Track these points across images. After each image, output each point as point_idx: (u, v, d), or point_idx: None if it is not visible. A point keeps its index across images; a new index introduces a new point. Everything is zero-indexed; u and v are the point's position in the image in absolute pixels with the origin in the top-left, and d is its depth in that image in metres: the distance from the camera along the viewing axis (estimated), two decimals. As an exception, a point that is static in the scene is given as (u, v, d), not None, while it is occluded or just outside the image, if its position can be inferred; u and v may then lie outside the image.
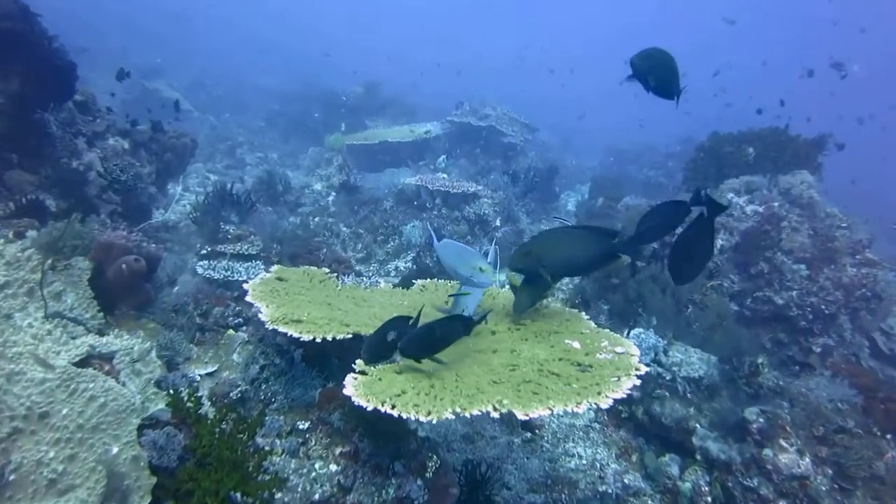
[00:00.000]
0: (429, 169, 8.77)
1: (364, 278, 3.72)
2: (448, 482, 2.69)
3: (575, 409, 2.32)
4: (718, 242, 5.56)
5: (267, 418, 2.72)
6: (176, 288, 3.59)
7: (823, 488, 3.29)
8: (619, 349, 2.86)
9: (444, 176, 7.62)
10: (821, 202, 5.62)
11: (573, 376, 2.58)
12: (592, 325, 3.20)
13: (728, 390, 3.77)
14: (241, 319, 3.50)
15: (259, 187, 7.28)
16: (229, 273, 3.75)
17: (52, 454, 1.89)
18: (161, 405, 2.25)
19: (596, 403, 2.35)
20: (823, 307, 5.26)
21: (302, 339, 2.68)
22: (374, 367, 2.58)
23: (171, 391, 2.22)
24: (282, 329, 2.72)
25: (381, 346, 2.66)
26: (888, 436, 3.51)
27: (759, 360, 3.74)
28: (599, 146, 16.34)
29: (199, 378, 2.82)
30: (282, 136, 12.84)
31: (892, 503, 3.34)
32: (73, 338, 2.33)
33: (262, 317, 2.78)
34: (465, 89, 13.74)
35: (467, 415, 2.29)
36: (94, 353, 2.28)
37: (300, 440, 2.70)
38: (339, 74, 15.49)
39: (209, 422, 2.20)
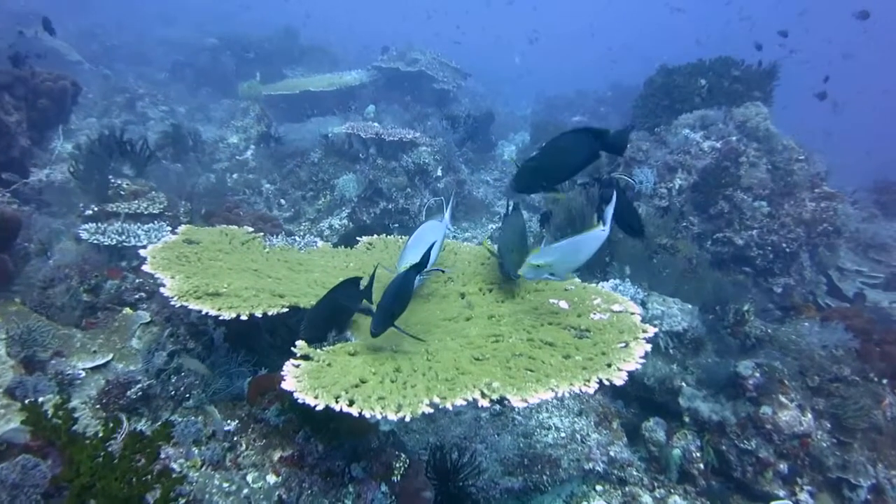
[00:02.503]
0: (358, 118, 8.01)
1: (297, 238, 3.08)
2: (420, 485, 2.16)
3: (584, 389, 1.82)
4: (676, 182, 5.20)
5: (179, 421, 2.08)
6: (52, 259, 2.82)
7: (825, 444, 3.00)
8: (615, 307, 2.38)
9: (376, 124, 6.91)
10: (777, 134, 5.33)
11: (571, 345, 2.08)
12: (576, 279, 2.71)
13: (713, 343, 3.41)
14: (142, 294, 2.79)
15: (165, 142, 6.33)
16: (124, 237, 3.01)
17: None
18: (15, 423, 1.59)
19: (608, 380, 1.86)
20: (784, 245, 5.01)
21: (222, 318, 2.05)
22: (321, 349, 1.99)
23: (28, 402, 1.55)
24: (193, 306, 2.07)
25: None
26: (885, 381, 3.25)
27: (745, 308, 3.38)
28: (528, 95, 15.88)
29: (82, 374, 2.14)
30: (190, 89, 11.57)
31: (891, 454, 3.09)
32: None
33: (166, 291, 2.12)
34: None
35: (448, 405, 1.76)
36: None
37: (226, 445, 2.09)
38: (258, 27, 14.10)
39: (90, 442, 1.55)
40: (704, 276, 3.94)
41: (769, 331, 3.37)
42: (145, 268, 2.23)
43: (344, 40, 15.80)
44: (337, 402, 1.70)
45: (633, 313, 2.32)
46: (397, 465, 2.11)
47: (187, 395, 2.24)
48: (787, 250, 5.04)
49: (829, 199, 5.19)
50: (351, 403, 1.70)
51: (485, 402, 1.78)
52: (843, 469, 2.98)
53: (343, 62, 12.32)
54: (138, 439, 1.58)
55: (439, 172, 6.22)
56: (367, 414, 1.67)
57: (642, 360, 1.96)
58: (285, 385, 1.76)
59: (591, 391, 1.81)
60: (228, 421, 2.18)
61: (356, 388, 1.77)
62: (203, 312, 2.05)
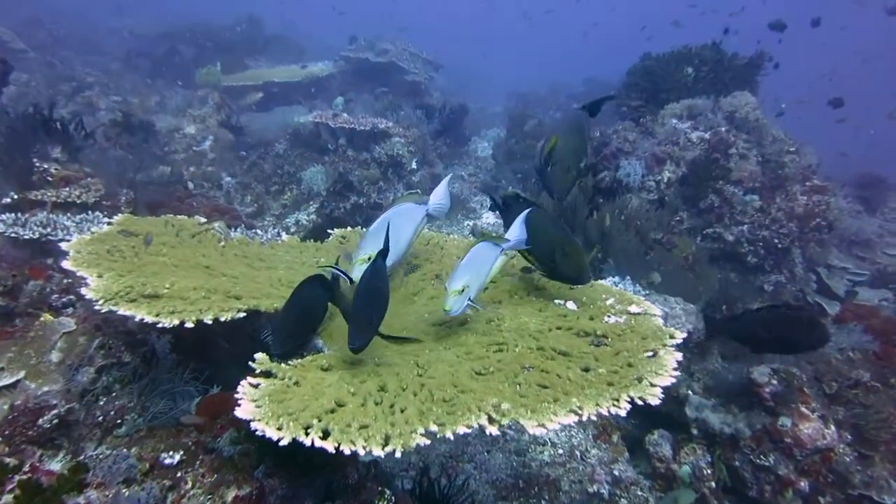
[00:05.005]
0: (326, 108, 7.58)
1: (259, 232, 2.68)
2: (408, 525, 1.79)
3: (614, 411, 1.48)
4: (665, 175, 4.92)
5: (106, 455, 1.67)
6: (-40, 255, 2.37)
7: (848, 459, 2.72)
8: (632, 308, 2.04)
9: (345, 114, 6.50)
10: (767, 125, 5.11)
11: (589, 354, 1.73)
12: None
13: (719, 346, 3.12)
14: (71, 297, 2.35)
15: (112, 132, 5.80)
16: (49, 230, 2.55)
17: None
18: None
19: (641, 399, 1.52)
20: (776, 241, 4.76)
21: (162, 325, 1.65)
22: (286, 364, 1.60)
23: None
24: (125, 311, 1.67)
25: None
26: (906, 387, 2.99)
27: (755, 308, 3.09)
28: (498, 91, 15.59)
29: (-18, 399, 1.71)
30: (145, 79, 10.96)
31: (914, 467, 2.83)
32: None
33: (90, 292, 1.71)
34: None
35: (448, 434, 1.39)
36: None
37: (167, 484, 1.68)
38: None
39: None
40: (703, 273, 3.66)
41: (780, 332, 3.09)
42: (66, 264, 1.81)
43: (311, 29, 15.30)
44: (307, 434, 1.32)
45: (654, 315, 2.00)
46: (380, 503, 1.73)
47: (119, 421, 1.82)
48: (779, 246, 4.80)
49: (821, 192, 4.97)
50: (325, 436, 1.33)
51: (493, 429, 1.42)
52: (866, 486, 2.71)
53: (310, 53, 11.84)
54: (35, 490, 1.17)
55: (414, 165, 5.84)
56: (346, 449, 1.30)
57: (676, 373, 1.63)
58: (240, 412, 1.38)
59: (623, 413, 1.47)
60: (171, 452, 1.77)
61: (331, 415, 1.40)
62: (137, 319, 1.65)
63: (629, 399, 1.49)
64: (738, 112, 5.16)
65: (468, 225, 6.13)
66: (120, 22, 15.61)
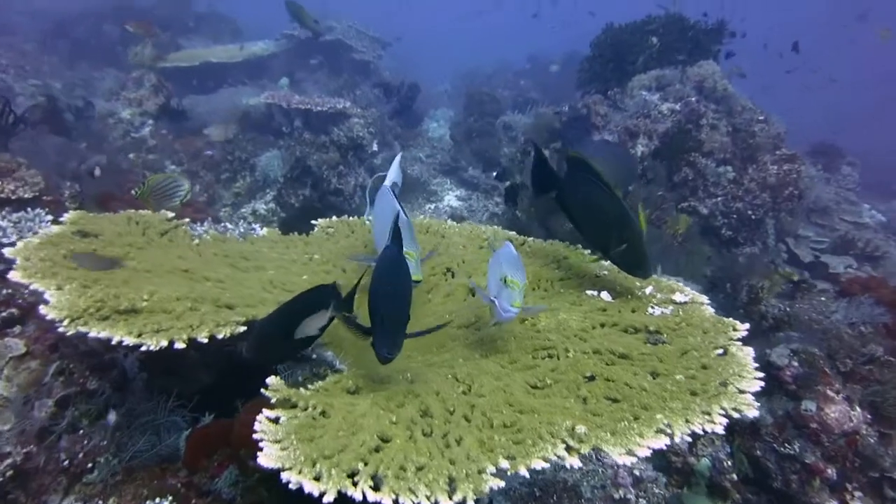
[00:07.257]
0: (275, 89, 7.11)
1: (229, 225, 2.34)
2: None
3: (709, 427, 1.25)
4: (639, 149, 4.77)
5: (82, 513, 1.35)
6: None
7: (872, 440, 2.63)
8: (677, 297, 1.84)
9: (297, 96, 6.08)
10: (736, 94, 5.04)
11: (651, 356, 1.51)
12: (603, 261, 2.14)
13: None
14: (14, 311, 1.96)
15: (36, 118, 5.18)
16: (-19, 232, 2.13)
17: None
18: None
19: (737, 411, 1.30)
20: (750, 212, 4.71)
21: (147, 348, 1.33)
22: (306, 389, 1.31)
23: None
24: (98, 333, 1.33)
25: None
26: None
27: (760, 284, 2.97)
28: (440, 69, 15.25)
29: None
30: (66, 62, 10.04)
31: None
32: None
33: (51, 311, 1.36)
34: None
35: (523, 471, 1.14)
36: None
37: (158, 539, 1.38)
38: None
39: None
40: (696, 250, 3.53)
41: (787, 309, 2.98)
42: (14, 276, 1.45)
43: (244, 8, 14.49)
44: (355, 484, 1.04)
45: (702, 304, 1.80)
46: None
47: (90, 465, 1.49)
48: (753, 217, 4.75)
49: (791, 161, 4.95)
50: (377, 486, 1.05)
51: (574, 461, 1.18)
52: (891, 467, 2.63)
53: (246, 32, 11.18)
54: None
55: (375, 147, 5.51)
56: (406, 502, 1.03)
57: (760, 374, 1.43)
58: (264, 460, 1.08)
59: (721, 430, 1.25)
60: (157, 499, 1.46)
61: (377, 454, 1.12)
62: (115, 342, 1.32)
63: (723, 412, 1.27)
64: (706, 81, 5.06)
65: (430, 208, 5.86)
66: (31, 4, 14.39)
